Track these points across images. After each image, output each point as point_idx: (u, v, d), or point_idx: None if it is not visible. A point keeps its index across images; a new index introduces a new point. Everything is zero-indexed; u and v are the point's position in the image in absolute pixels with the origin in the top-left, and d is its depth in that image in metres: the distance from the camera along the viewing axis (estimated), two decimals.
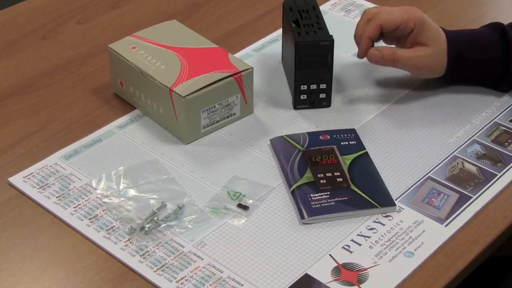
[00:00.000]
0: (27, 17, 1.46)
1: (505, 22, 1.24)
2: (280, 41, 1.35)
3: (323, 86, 1.21)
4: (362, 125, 1.20)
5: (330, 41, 1.18)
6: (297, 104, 1.22)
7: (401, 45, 1.22)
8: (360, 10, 1.46)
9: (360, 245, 1.01)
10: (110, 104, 1.25)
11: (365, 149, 1.14)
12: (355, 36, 1.21)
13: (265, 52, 1.35)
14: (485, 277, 1.29)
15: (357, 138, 1.16)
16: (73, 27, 1.43)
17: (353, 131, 1.17)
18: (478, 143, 1.17)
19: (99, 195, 1.08)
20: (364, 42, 1.19)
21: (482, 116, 1.22)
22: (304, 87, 1.21)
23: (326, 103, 1.23)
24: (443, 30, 1.21)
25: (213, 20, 1.45)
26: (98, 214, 1.05)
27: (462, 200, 1.07)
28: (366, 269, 0.98)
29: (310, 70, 1.19)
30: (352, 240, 1.02)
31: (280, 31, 1.38)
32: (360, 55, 1.21)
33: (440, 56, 1.21)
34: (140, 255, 1.00)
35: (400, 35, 1.21)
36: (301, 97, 1.22)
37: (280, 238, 1.02)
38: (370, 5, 1.47)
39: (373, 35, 1.19)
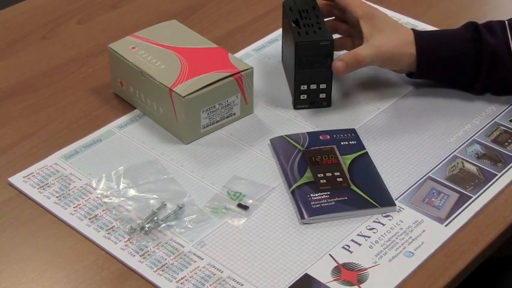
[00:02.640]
0: (27, 17, 1.46)
1: None
2: (280, 41, 1.35)
3: (323, 85, 1.21)
4: (362, 125, 1.20)
5: (330, 41, 1.18)
6: (297, 104, 1.22)
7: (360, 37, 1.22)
8: None
9: (360, 245, 1.01)
10: (110, 104, 1.25)
11: (365, 149, 1.14)
12: None
13: (265, 52, 1.35)
14: (485, 277, 1.29)
15: (357, 138, 1.16)
16: (73, 27, 1.43)
17: (353, 131, 1.17)
18: (478, 143, 1.17)
19: (99, 195, 1.08)
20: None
21: (482, 116, 1.22)
22: (304, 87, 1.21)
23: (326, 103, 1.23)
24: (412, 29, 1.21)
25: (213, 20, 1.45)
26: (98, 214, 1.05)
27: (462, 200, 1.07)
28: (366, 269, 0.98)
29: (310, 70, 1.19)
30: (352, 240, 1.02)
31: (280, 31, 1.38)
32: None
33: (405, 46, 1.19)
34: (140, 255, 1.00)
35: (350, 20, 1.24)
36: (301, 97, 1.22)
37: (280, 238, 1.02)
38: (370, 5, 1.47)
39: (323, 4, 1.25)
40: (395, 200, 1.07)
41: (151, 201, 1.06)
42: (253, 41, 1.38)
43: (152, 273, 0.98)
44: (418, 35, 1.20)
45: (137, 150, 1.15)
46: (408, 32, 1.20)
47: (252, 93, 1.20)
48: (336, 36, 1.25)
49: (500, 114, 1.22)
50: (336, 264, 0.98)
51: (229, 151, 1.15)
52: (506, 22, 1.21)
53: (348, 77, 1.29)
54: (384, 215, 1.05)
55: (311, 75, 1.20)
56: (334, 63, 1.18)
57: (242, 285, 0.96)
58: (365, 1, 1.25)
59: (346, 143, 1.15)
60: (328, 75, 1.20)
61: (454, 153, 1.15)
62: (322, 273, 0.97)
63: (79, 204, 1.06)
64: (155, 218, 1.03)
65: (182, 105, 1.13)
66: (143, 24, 1.34)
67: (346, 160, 1.12)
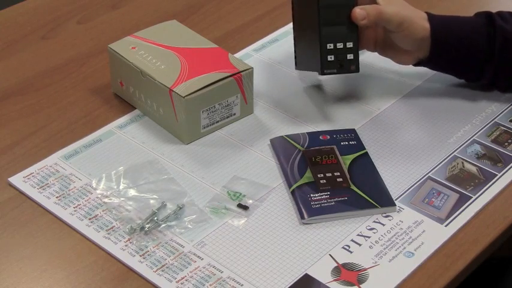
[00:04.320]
0: (27, 17, 1.46)
1: None
2: (281, 41, 1.35)
3: (349, 44, 1.17)
4: (362, 125, 1.20)
5: None
6: (325, 68, 1.16)
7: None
8: None
9: (360, 245, 1.01)
10: (110, 104, 1.25)
11: (365, 149, 1.14)
12: None
13: (265, 52, 1.35)
14: (485, 277, 1.29)
15: (357, 138, 1.16)
16: (73, 27, 1.43)
17: (353, 131, 1.17)
18: (478, 143, 1.17)
19: (99, 195, 1.08)
20: None
21: (482, 116, 1.22)
22: (330, 45, 1.16)
23: (354, 67, 1.18)
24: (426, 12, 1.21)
25: (213, 20, 1.45)
26: (98, 214, 1.05)
27: (462, 200, 1.07)
28: (366, 269, 0.98)
29: (335, 27, 1.15)
30: (352, 240, 1.02)
31: (280, 31, 1.39)
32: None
33: (421, 20, 1.18)
34: (140, 255, 1.00)
35: None
36: (329, 58, 1.16)
37: (280, 238, 1.02)
38: None
39: None
40: (395, 200, 1.07)
41: (151, 201, 1.06)
42: (253, 41, 1.38)
43: (152, 273, 0.97)
44: (430, 15, 1.20)
45: (137, 150, 1.15)
46: (422, 12, 1.20)
47: (252, 93, 1.20)
48: None
49: (500, 114, 1.22)
50: (336, 265, 0.98)
51: (229, 151, 1.15)
52: None
53: (348, 77, 1.29)
54: (384, 215, 1.05)
55: (336, 32, 1.16)
56: (354, 9, 1.15)
57: (242, 285, 0.96)
58: None
59: (346, 143, 1.15)
60: (354, 32, 1.17)
61: (454, 153, 1.15)
62: (322, 273, 0.97)
63: (79, 204, 1.06)
64: (155, 218, 1.03)
65: (182, 105, 1.13)
66: (143, 24, 1.34)
67: (346, 160, 1.12)
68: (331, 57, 1.16)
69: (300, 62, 1.26)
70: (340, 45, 1.16)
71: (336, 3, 1.15)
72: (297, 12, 1.25)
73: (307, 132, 1.17)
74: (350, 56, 1.17)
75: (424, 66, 1.23)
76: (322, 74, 1.16)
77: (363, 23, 1.16)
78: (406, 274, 0.98)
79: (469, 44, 1.19)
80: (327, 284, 0.96)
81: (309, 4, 1.18)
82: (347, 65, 1.17)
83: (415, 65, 1.23)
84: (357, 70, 1.17)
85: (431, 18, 1.19)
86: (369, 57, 1.32)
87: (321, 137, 1.16)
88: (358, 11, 1.15)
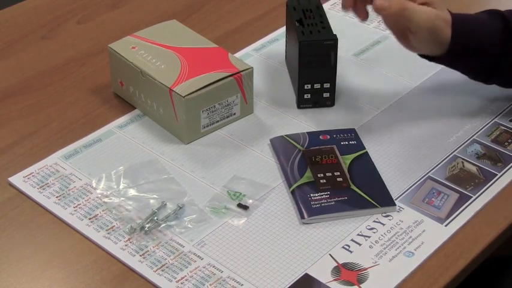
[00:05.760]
0: (27, 17, 1.46)
1: None
2: (281, 41, 1.35)
3: (327, 85, 1.21)
4: (362, 125, 1.20)
5: (334, 40, 1.18)
6: (301, 104, 1.22)
7: None
8: None
9: (360, 244, 1.01)
10: (110, 104, 1.25)
11: (365, 149, 1.14)
12: None
13: (266, 52, 1.35)
14: (485, 277, 1.29)
15: (357, 138, 1.16)
16: (73, 27, 1.43)
17: (353, 131, 1.17)
18: (478, 143, 1.17)
19: (99, 195, 1.08)
20: None
21: (482, 115, 1.22)
22: (308, 86, 1.21)
23: (330, 102, 1.23)
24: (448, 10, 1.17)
25: (213, 20, 1.45)
26: (97, 214, 1.05)
27: (462, 200, 1.07)
28: (366, 269, 0.98)
29: (314, 69, 1.19)
30: (352, 240, 1.02)
31: (280, 31, 1.39)
32: (345, 2, 1.15)
33: (445, 25, 1.13)
34: (140, 255, 1.00)
35: None
36: (305, 96, 1.22)
37: (280, 238, 1.02)
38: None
39: None
40: (395, 200, 1.07)
41: (151, 201, 1.06)
42: (253, 41, 1.38)
43: (152, 273, 0.97)
44: (454, 19, 1.14)
45: (137, 150, 1.15)
46: (447, 13, 1.15)
47: (252, 93, 1.20)
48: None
49: (500, 114, 1.22)
50: (336, 264, 0.98)
51: (229, 151, 1.15)
52: None
53: (348, 77, 1.29)
54: (384, 215, 1.05)
55: (315, 75, 1.20)
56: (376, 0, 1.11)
57: (242, 285, 0.96)
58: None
59: (346, 143, 1.15)
60: (332, 74, 1.20)
61: (454, 153, 1.15)
62: (322, 273, 0.97)
63: (79, 204, 1.06)
64: (155, 218, 1.03)
65: (182, 105, 1.13)
66: (143, 24, 1.34)
67: (346, 160, 1.12)
68: (307, 96, 1.22)
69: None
70: (317, 86, 1.21)
71: (317, 52, 1.18)
72: (287, 42, 1.31)
73: (307, 132, 1.17)
74: (326, 95, 1.22)
75: (434, 62, 1.20)
76: (298, 107, 1.23)
77: (382, 14, 1.12)
78: (406, 274, 0.98)
79: (483, 51, 1.16)
80: (327, 284, 0.96)
81: (293, 44, 1.22)
82: (322, 102, 1.23)
83: (429, 59, 1.20)
84: (332, 105, 1.23)
85: (454, 23, 1.14)
86: (369, 57, 1.33)
87: (321, 137, 1.16)
88: (380, 2, 1.11)
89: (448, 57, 1.16)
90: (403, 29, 1.15)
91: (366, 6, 1.16)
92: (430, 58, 1.18)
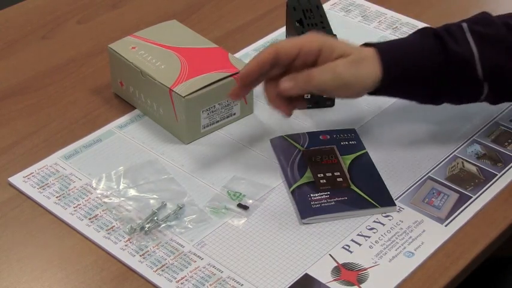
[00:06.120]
0: (27, 17, 1.46)
1: None
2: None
3: None
4: (362, 125, 1.20)
5: None
6: None
7: None
8: (359, 10, 1.46)
9: (360, 245, 1.01)
10: (110, 104, 1.25)
11: (365, 149, 1.14)
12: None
13: None
14: (485, 277, 1.29)
15: (357, 138, 1.16)
16: (73, 27, 1.43)
17: (353, 131, 1.17)
18: (478, 143, 1.17)
19: (99, 195, 1.08)
20: (250, 64, 1.04)
21: (482, 116, 1.22)
22: None
23: (330, 102, 1.23)
24: (368, 44, 1.09)
25: (213, 20, 1.45)
26: (98, 214, 1.05)
27: (462, 200, 1.07)
28: (366, 269, 0.98)
29: None
30: (352, 240, 1.02)
31: (280, 31, 1.39)
32: (241, 76, 1.05)
33: (370, 63, 1.06)
34: (140, 255, 1.00)
35: (308, 61, 1.04)
36: (305, 96, 1.21)
37: (280, 238, 1.02)
38: (370, 5, 1.48)
39: (265, 59, 1.03)
40: (395, 200, 1.07)
41: (151, 201, 1.06)
42: (253, 41, 1.38)
43: (152, 273, 0.97)
44: (380, 50, 1.06)
45: (137, 150, 1.15)
46: (368, 50, 1.07)
47: (252, 93, 1.20)
48: None
49: (500, 114, 1.22)
50: (336, 264, 0.98)
51: (229, 151, 1.15)
52: (465, 25, 1.11)
53: None
54: (384, 215, 1.05)
55: None
56: (283, 79, 1.04)
57: (242, 285, 0.96)
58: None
59: (346, 143, 1.15)
60: None
61: (454, 153, 1.15)
62: (322, 273, 0.97)
63: (79, 204, 1.06)
64: (155, 218, 1.03)
65: (182, 105, 1.13)
66: (143, 24, 1.34)
67: (346, 160, 1.12)
68: (307, 96, 1.19)
69: None
70: None
71: None
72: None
73: (307, 132, 1.17)
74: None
75: (376, 95, 1.11)
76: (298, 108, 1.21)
77: (289, 91, 1.04)
78: (406, 274, 0.98)
79: (421, 76, 1.08)
80: (327, 284, 0.96)
81: None
82: (322, 102, 1.22)
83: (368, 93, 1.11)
84: (332, 105, 1.23)
85: (382, 56, 1.06)
86: None
87: (321, 137, 1.16)
88: (285, 79, 1.03)
89: (386, 90, 1.09)
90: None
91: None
92: (371, 93, 1.10)
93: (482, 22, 1.13)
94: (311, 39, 1.05)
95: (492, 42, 1.10)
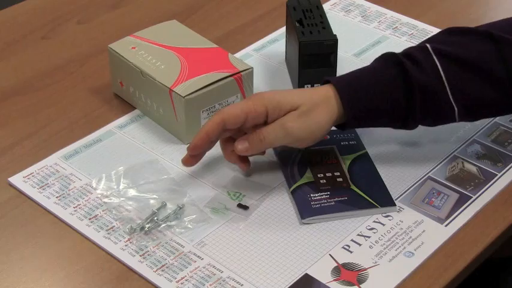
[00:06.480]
0: (27, 17, 1.46)
1: None
2: (281, 41, 1.35)
3: None
4: None
5: (334, 40, 1.18)
6: None
7: None
8: (360, 10, 1.46)
9: (360, 245, 1.01)
10: (110, 104, 1.25)
11: (365, 149, 1.14)
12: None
13: (266, 52, 1.35)
14: (485, 277, 1.29)
15: (357, 138, 1.16)
16: (73, 27, 1.43)
17: (353, 131, 1.17)
18: (478, 143, 1.17)
19: (99, 195, 1.08)
20: (199, 136, 1.04)
21: None
22: (308, 86, 1.21)
23: None
24: (326, 80, 1.07)
25: (213, 20, 1.45)
26: (98, 214, 1.05)
27: (462, 200, 1.07)
28: (366, 269, 0.98)
29: (314, 69, 1.20)
30: (352, 240, 1.02)
31: (280, 31, 1.39)
32: (190, 148, 1.06)
33: (323, 108, 1.04)
34: (140, 255, 1.00)
35: (258, 122, 1.04)
36: None
37: (280, 238, 1.02)
38: (370, 5, 1.48)
39: (211, 129, 1.03)
40: (395, 200, 1.07)
41: (151, 201, 1.06)
42: (253, 41, 1.38)
43: (152, 273, 0.98)
44: (339, 88, 1.05)
45: (137, 150, 1.16)
46: (325, 90, 1.06)
47: (252, 93, 1.20)
48: None
49: None
50: (336, 264, 0.98)
51: None
52: (429, 47, 1.07)
53: None
54: (384, 215, 1.05)
55: (315, 75, 1.20)
56: (236, 143, 1.05)
57: (242, 285, 0.96)
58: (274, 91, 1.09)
59: (346, 143, 1.15)
60: (332, 75, 1.20)
61: (454, 153, 1.15)
62: (322, 273, 0.97)
63: (79, 204, 1.06)
64: (155, 218, 1.03)
65: (182, 105, 1.13)
66: (143, 24, 1.34)
67: (346, 160, 1.12)
68: None
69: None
70: (317, 86, 1.18)
71: (317, 52, 1.18)
72: (287, 42, 1.30)
73: None
74: None
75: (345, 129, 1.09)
76: None
77: (247, 155, 1.07)
78: (406, 274, 0.98)
79: (386, 108, 1.06)
80: (327, 284, 0.96)
81: (293, 44, 1.22)
82: None
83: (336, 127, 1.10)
84: None
85: (341, 94, 1.04)
86: (369, 58, 1.32)
87: None
88: (238, 147, 1.05)
89: (353, 125, 1.08)
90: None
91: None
92: (339, 127, 1.09)
93: (446, 42, 1.08)
94: (255, 103, 1.03)
95: (458, 62, 1.06)
